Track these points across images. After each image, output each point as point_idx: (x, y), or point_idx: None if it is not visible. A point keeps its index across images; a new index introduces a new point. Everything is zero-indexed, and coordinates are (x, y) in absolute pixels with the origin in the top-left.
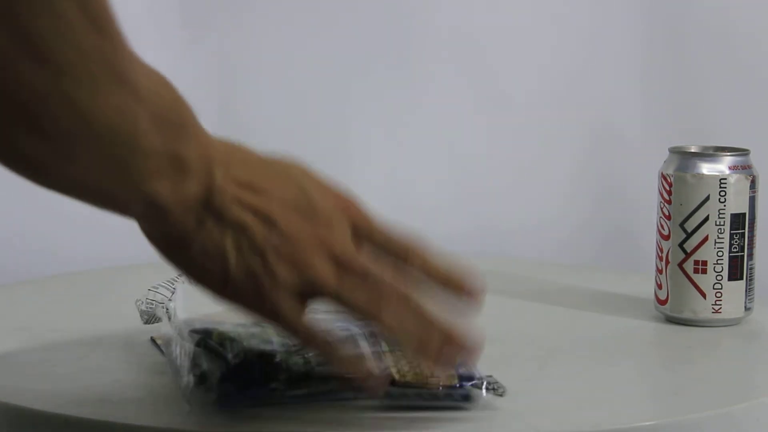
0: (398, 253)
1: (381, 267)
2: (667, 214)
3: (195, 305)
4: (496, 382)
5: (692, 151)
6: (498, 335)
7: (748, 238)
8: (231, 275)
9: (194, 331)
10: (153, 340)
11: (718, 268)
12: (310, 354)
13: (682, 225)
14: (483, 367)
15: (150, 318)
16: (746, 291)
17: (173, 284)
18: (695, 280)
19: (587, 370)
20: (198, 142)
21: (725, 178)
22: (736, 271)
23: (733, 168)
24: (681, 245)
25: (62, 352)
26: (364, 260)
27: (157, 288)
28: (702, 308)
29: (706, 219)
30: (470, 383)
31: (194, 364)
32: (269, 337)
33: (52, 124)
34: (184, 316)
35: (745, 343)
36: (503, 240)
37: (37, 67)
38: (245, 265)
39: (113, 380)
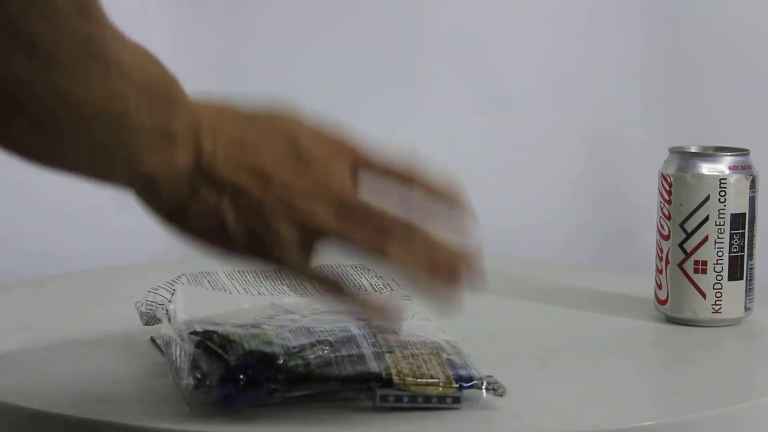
0: (399, 179)
1: (383, 199)
2: (667, 214)
3: (195, 307)
4: (496, 382)
5: (692, 151)
6: (498, 335)
7: (748, 238)
8: (232, 238)
9: (194, 333)
10: (153, 340)
11: (718, 268)
12: (310, 355)
13: (682, 225)
14: (483, 367)
15: (150, 319)
16: (746, 291)
17: (173, 286)
18: (695, 280)
19: (587, 370)
20: (186, 112)
21: (725, 178)
22: (736, 271)
23: (733, 168)
24: (681, 245)
25: (62, 352)
26: (364, 198)
27: (157, 289)
28: (702, 308)
29: (706, 219)
30: (469, 385)
31: (194, 365)
32: (269, 339)
33: (43, 113)
34: (183, 317)
35: (745, 343)
36: (503, 240)
37: (26, 59)
38: (245, 226)
39: (113, 380)
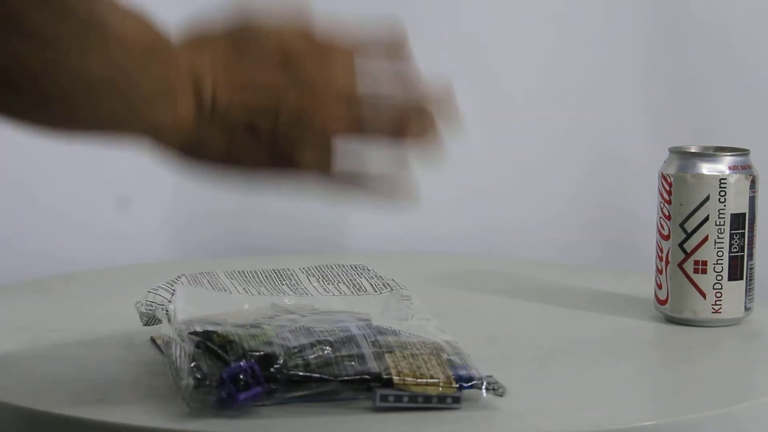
0: (387, 55)
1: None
2: (667, 214)
3: (195, 307)
4: (496, 382)
5: (692, 151)
6: (498, 335)
7: (748, 238)
8: (252, 164)
9: (194, 333)
10: (153, 340)
11: (718, 268)
12: (310, 355)
13: (682, 225)
14: (483, 367)
15: (150, 320)
16: (746, 291)
17: (173, 286)
18: (695, 280)
19: (587, 370)
20: (181, 64)
21: (725, 178)
22: (736, 271)
23: (733, 168)
24: (681, 245)
25: (62, 352)
26: (368, 88)
27: (157, 290)
28: (702, 308)
29: (706, 219)
30: (469, 385)
31: (194, 365)
32: (269, 339)
33: (52, 89)
34: (183, 317)
35: (745, 343)
36: (503, 240)
37: (32, 45)
38: (264, 150)
39: (113, 380)
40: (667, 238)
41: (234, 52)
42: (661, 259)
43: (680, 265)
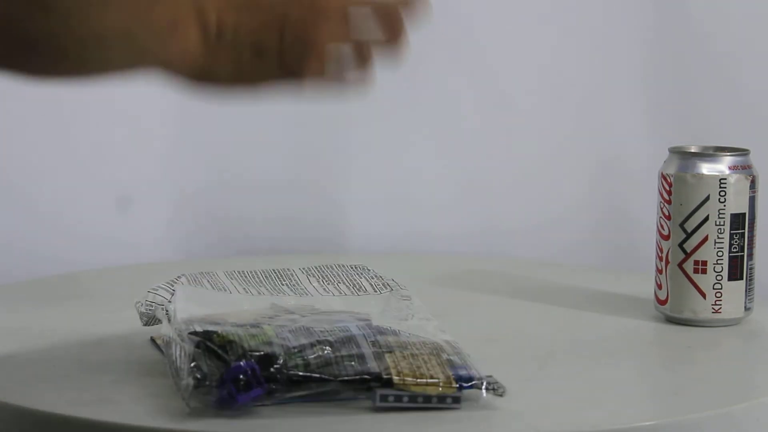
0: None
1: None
2: (667, 214)
3: (195, 307)
4: (496, 382)
5: (692, 151)
6: (498, 335)
7: (748, 238)
8: (262, 82)
9: (194, 333)
10: (153, 340)
11: (718, 268)
12: (310, 355)
13: (682, 225)
14: (483, 367)
15: (150, 320)
16: (746, 291)
17: (173, 286)
18: (695, 280)
19: (587, 370)
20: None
21: (725, 178)
22: (736, 271)
23: (733, 168)
24: (681, 245)
25: (62, 352)
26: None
27: (157, 289)
28: (702, 308)
29: (706, 219)
30: (469, 385)
31: (194, 365)
32: (269, 339)
33: (63, 43)
34: (183, 317)
35: (745, 343)
36: (504, 240)
37: (45, 14)
38: (271, 67)
39: (113, 380)
40: (667, 238)
41: None
42: (661, 259)
43: (680, 265)
